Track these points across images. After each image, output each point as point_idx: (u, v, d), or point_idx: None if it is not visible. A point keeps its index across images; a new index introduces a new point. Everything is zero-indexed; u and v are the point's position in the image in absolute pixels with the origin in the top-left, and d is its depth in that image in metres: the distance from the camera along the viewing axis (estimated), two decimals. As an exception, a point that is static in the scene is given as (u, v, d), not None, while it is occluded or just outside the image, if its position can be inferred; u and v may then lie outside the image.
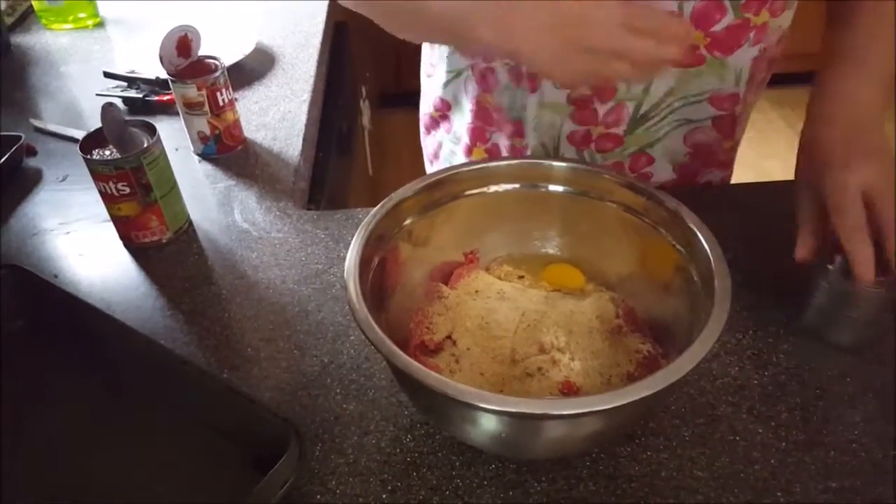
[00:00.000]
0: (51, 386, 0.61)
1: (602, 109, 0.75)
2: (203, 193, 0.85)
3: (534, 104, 0.76)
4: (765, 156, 2.65)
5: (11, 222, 0.82)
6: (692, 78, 0.72)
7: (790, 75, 2.96)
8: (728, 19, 0.68)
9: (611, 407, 0.42)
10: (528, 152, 0.80)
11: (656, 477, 0.54)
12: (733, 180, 0.93)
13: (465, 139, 0.85)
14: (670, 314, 0.57)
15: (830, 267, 0.60)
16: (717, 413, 0.59)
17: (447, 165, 0.81)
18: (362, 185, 1.63)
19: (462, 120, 0.85)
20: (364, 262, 0.53)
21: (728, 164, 0.86)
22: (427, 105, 0.90)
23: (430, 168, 0.96)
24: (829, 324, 0.63)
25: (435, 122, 0.90)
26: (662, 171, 0.81)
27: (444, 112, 0.87)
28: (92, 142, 0.72)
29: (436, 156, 0.93)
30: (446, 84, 0.83)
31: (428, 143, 0.94)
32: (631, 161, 0.80)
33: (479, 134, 0.84)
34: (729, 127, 0.79)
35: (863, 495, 0.53)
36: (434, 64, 0.86)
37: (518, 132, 0.79)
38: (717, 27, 0.68)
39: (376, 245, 0.56)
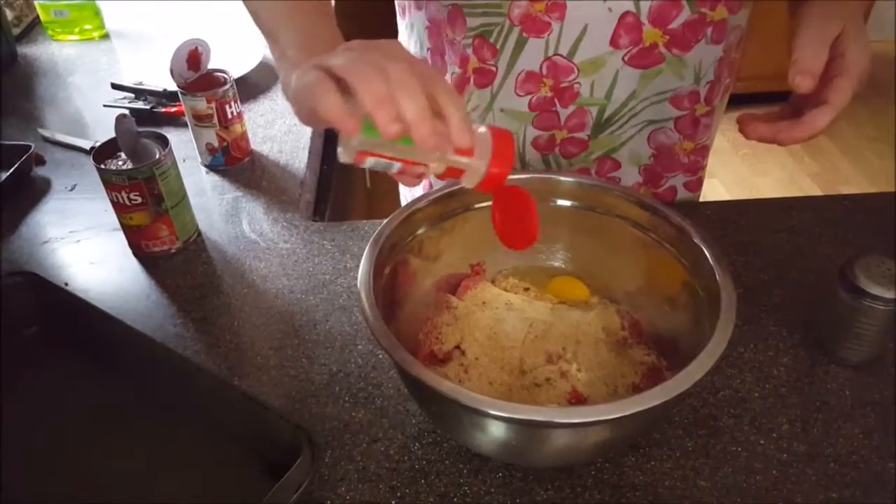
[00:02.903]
0: (64, 391, 0.61)
1: (564, 113, 0.75)
2: (211, 204, 0.86)
3: (493, 108, 0.76)
4: (758, 173, 2.69)
5: (21, 231, 0.83)
6: (653, 78, 0.73)
7: (784, 95, 3.02)
8: (685, 15, 0.68)
9: (619, 416, 0.44)
10: None
11: (660, 486, 0.55)
12: (725, 196, 0.95)
13: None
14: (675, 327, 0.58)
15: (839, 283, 0.61)
16: (719, 424, 0.60)
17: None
18: (361, 196, 1.65)
19: None
20: (376, 272, 0.54)
21: (693, 170, 0.85)
22: None
23: (403, 189, 0.95)
24: (834, 339, 0.64)
25: None
26: (629, 176, 0.81)
27: None
28: (104, 152, 0.74)
29: None
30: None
31: None
32: (597, 166, 0.80)
33: None
34: (690, 127, 0.79)
35: (862, 506, 0.54)
36: None
37: None
38: (675, 24, 0.69)
39: (388, 255, 0.57)
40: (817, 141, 2.85)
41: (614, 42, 0.69)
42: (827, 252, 0.76)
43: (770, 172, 2.69)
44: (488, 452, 0.54)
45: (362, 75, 0.42)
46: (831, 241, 0.78)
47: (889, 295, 0.59)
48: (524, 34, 0.70)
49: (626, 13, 0.67)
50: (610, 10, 0.67)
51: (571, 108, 0.75)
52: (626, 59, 0.70)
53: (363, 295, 0.52)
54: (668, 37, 0.70)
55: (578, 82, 0.72)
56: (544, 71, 0.72)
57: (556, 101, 0.74)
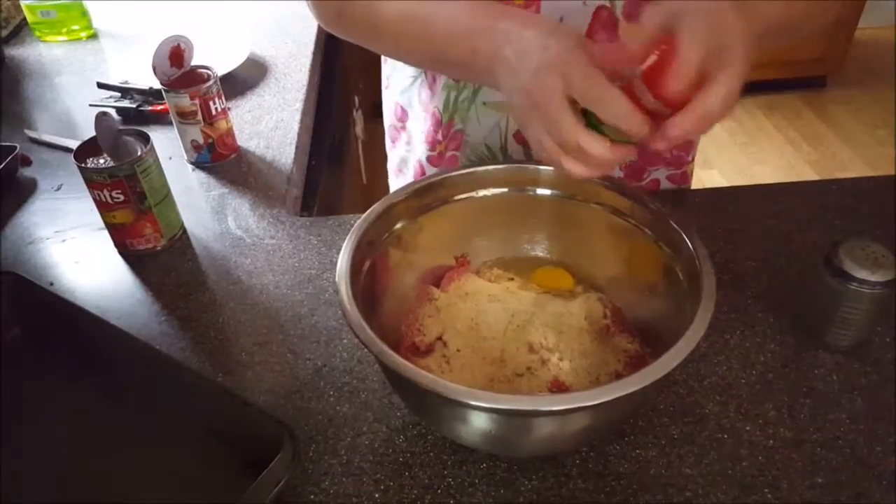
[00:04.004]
0: (47, 391, 0.61)
1: None
2: (197, 201, 0.86)
3: (476, 102, 0.76)
4: (756, 161, 2.68)
5: (7, 231, 0.83)
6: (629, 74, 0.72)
7: (780, 82, 3.00)
8: None
9: (599, 403, 0.43)
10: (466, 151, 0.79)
11: (645, 474, 0.55)
12: (729, 183, 0.94)
13: (421, 147, 0.85)
14: (657, 314, 0.58)
15: (823, 267, 0.61)
16: (704, 412, 0.60)
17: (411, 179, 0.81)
18: (357, 193, 1.64)
19: (417, 127, 0.85)
20: (355, 266, 0.54)
21: (677, 164, 0.83)
22: (388, 116, 0.90)
23: (394, 181, 0.96)
24: (821, 324, 0.64)
25: (397, 133, 0.90)
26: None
27: (403, 122, 0.87)
28: (86, 151, 0.73)
29: (400, 170, 0.92)
30: (402, 91, 0.84)
31: (393, 155, 0.93)
32: None
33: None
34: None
35: (848, 490, 0.54)
36: (389, 75, 0.86)
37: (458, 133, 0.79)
38: None
39: (367, 249, 0.57)
40: (816, 128, 2.84)
41: (590, 36, 0.68)
42: (815, 237, 0.76)
43: (768, 161, 2.68)
44: (471, 443, 0.54)
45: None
46: (820, 226, 0.78)
47: (874, 278, 0.58)
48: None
49: (601, 7, 0.67)
50: (585, 3, 0.67)
51: None
52: None
53: (342, 288, 0.51)
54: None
55: None
56: None
57: None
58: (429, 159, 0.84)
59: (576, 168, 0.50)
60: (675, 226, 0.55)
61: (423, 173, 0.85)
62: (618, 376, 0.55)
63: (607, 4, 0.67)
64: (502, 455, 0.56)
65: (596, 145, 0.48)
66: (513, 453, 0.55)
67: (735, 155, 2.72)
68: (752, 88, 3.01)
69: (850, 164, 2.59)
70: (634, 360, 0.56)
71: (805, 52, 2.80)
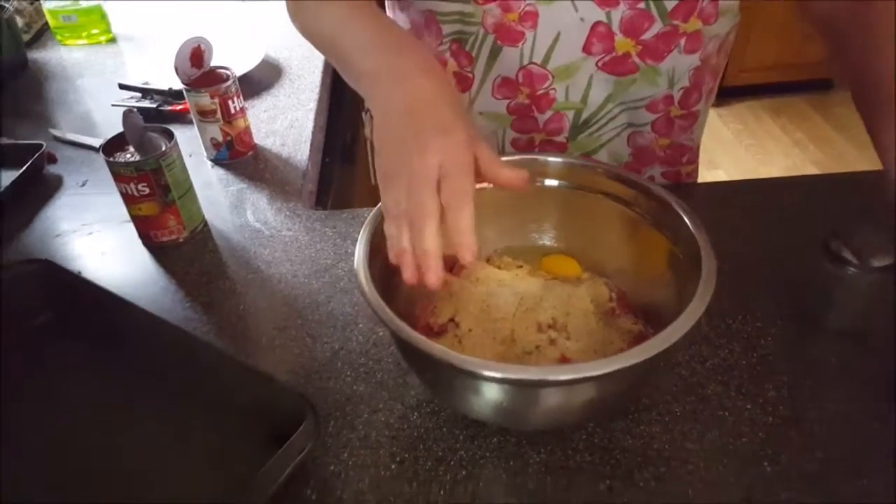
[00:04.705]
0: (79, 371, 0.64)
1: (542, 118, 0.77)
2: (216, 196, 0.89)
3: (472, 112, 0.78)
4: (763, 163, 2.70)
5: (35, 224, 0.86)
6: (628, 86, 0.74)
7: (787, 84, 3.02)
8: (657, 27, 0.70)
9: (604, 373, 0.46)
10: None
11: (649, 448, 0.57)
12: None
13: None
14: (661, 297, 0.60)
15: (822, 254, 0.63)
16: (707, 392, 0.62)
17: None
18: (366, 192, 1.67)
19: None
20: (372, 253, 0.57)
21: (671, 162, 0.85)
22: None
23: None
24: (820, 309, 0.66)
25: None
26: None
27: None
28: (112, 146, 0.77)
29: None
30: None
31: None
32: None
33: None
34: (664, 126, 0.80)
35: (845, 464, 0.56)
36: None
37: None
38: (647, 35, 0.70)
39: (383, 237, 0.60)
40: (822, 130, 2.85)
41: (587, 49, 0.71)
42: (815, 228, 0.77)
43: (774, 162, 2.70)
44: (482, 416, 0.56)
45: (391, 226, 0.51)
46: (820, 217, 0.79)
47: (871, 263, 0.61)
48: (498, 42, 0.71)
49: (598, 23, 0.69)
50: (582, 19, 0.68)
51: (549, 113, 0.76)
52: (599, 64, 0.72)
53: (360, 272, 0.54)
54: (640, 47, 0.71)
55: (554, 88, 0.74)
56: (520, 79, 0.74)
57: (533, 107, 0.76)
58: None
59: (408, 272, 0.50)
60: (677, 210, 0.58)
61: None
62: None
63: (604, 20, 0.69)
64: (512, 429, 0.58)
65: (433, 240, 0.48)
66: (522, 426, 0.58)
67: (741, 156, 2.74)
68: (759, 91, 3.03)
69: (856, 164, 2.60)
70: (638, 340, 0.58)
71: (811, 54, 2.82)
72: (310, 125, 1.04)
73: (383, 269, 0.59)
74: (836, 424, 0.59)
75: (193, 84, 0.89)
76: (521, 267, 0.68)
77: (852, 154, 2.68)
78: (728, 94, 2.99)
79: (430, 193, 0.48)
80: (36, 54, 1.30)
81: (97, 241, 0.83)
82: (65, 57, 1.29)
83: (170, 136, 0.77)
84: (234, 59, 1.11)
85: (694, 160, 0.88)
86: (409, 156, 0.49)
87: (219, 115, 0.90)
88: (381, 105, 0.54)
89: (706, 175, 2.57)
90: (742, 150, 2.78)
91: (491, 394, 0.50)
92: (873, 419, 0.59)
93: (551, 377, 0.47)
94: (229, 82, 0.90)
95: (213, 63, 0.93)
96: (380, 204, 0.61)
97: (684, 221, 0.57)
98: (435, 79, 0.53)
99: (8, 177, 0.90)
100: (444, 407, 0.61)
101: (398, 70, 0.54)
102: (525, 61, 0.72)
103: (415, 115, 0.51)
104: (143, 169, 0.74)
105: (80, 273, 0.76)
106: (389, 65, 0.55)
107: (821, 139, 2.81)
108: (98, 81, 1.20)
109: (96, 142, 0.99)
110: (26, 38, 1.32)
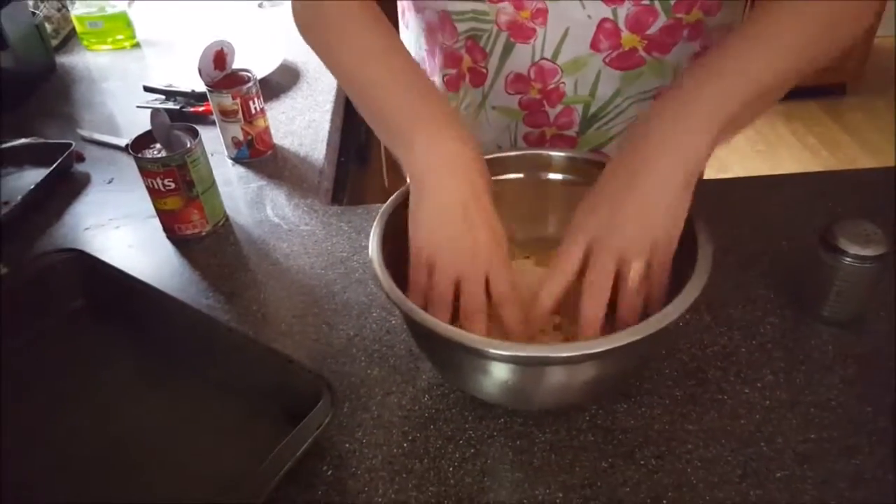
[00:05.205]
0: (109, 355, 0.68)
1: (553, 112, 0.79)
2: (237, 193, 0.93)
3: (486, 106, 0.81)
4: (774, 168, 2.71)
5: (65, 219, 0.90)
6: (635, 79, 0.76)
7: (800, 89, 3.03)
8: (661, 21, 0.71)
9: (605, 349, 0.49)
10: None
11: (650, 429, 0.60)
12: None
13: None
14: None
15: (820, 245, 0.65)
16: (706, 376, 0.65)
17: None
18: (379, 194, 1.71)
19: None
20: (385, 240, 0.60)
21: None
22: None
23: None
24: (818, 298, 0.68)
25: None
26: None
27: None
28: (140, 144, 0.81)
29: None
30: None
31: None
32: None
33: None
34: None
35: (839, 444, 0.58)
36: None
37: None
38: (652, 29, 0.72)
39: (395, 227, 0.63)
40: (834, 135, 2.86)
41: (594, 45, 0.73)
42: (815, 222, 0.80)
43: (786, 167, 2.71)
44: (490, 395, 0.59)
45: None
46: (820, 211, 0.82)
47: (866, 253, 0.63)
48: (511, 39, 0.74)
49: (605, 19, 0.71)
50: (589, 16, 0.71)
51: (559, 107, 0.79)
52: (606, 60, 0.74)
53: (374, 259, 0.57)
54: (646, 41, 0.73)
55: (563, 82, 0.77)
56: (532, 75, 0.76)
57: (544, 101, 0.78)
58: None
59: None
60: None
61: None
62: None
63: (610, 17, 0.71)
64: (520, 409, 0.61)
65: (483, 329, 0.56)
66: (527, 405, 0.61)
67: (753, 161, 2.76)
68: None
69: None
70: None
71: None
72: (326, 126, 1.08)
73: (396, 257, 0.62)
74: (831, 408, 0.61)
75: (216, 85, 0.93)
76: (528, 258, 0.71)
77: (864, 159, 2.69)
78: (740, 100, 2.99)
79: (480, 290, 0.55)
80: (63, 59, 1.35)
81: (123, 234, 0.87)
82: (91, 61, 1.34)
83: (194, 133, 0.81)
84: (254, 62, 1.15)
85: None
86: (456, 242, 0.56)
87: (240, 115, 0.94)
88: (430, 187, 0.58)
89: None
90: (754, 155, 2.79)
91: (497, 372, 0.53)
92: (866, 403, 0.61)
93: (554, 354, 0.49)
94: (250, 84, 0.94)
95: (235, 66, 0.97)
96: (391, 199, 0.65)
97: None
98: (479, 163, 0.59)
99: (39, 174, 0.94)
100: (454, 389, 0.64)
101: (439, 149, 0.58)
102: (536, 57, 0.75)
103: (468, 213, 0.57)
104: (169, 165, 0.78)
105: (108, 264, 0.80)
106: (430, 137, 0.59)
107: (833, 144, 2.82)
108: (122, 84, 1.25)
109: (122, 142, 1.03)
110: (54, 43, 1.37)
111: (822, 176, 0.91)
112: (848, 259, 0.64)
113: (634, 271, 0.53)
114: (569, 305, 0.62)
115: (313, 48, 0.70)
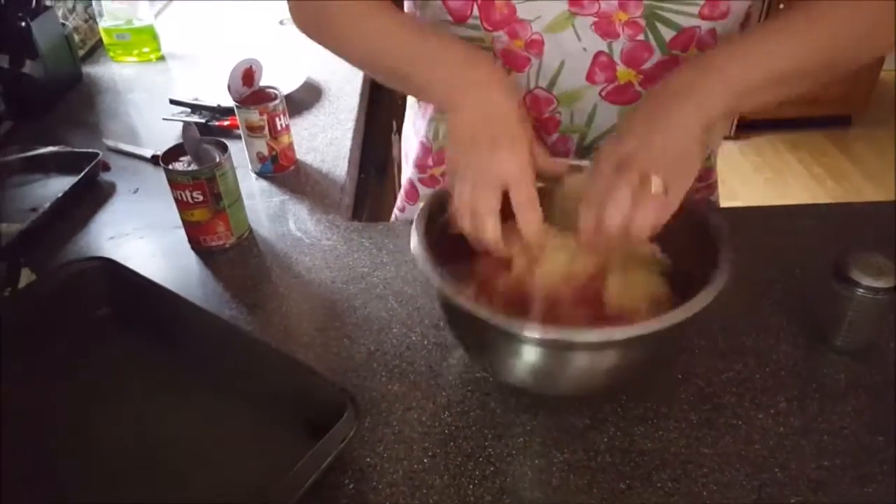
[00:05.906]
0: (134, 362, 0.69)
1: (549, 140, 0.81)
2: (260, 207, 0.95)
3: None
4: (781, 196, 2.73)
5: (91, 227, 0.92)
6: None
7: (806, 119, 3.06)
8: (657, 57, 0.72)
9: (629, 337, 0.53)
10: None
11: (666, 452, 0.61)
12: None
13: (412, 170, 0.92)
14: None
15: (832, 276, 0.67)
16: (722, 402, 0.66)
17: None
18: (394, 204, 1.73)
19: (410, 151, 0.93)
20: (427, 226, 0.62)
21: None
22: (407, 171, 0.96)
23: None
24: (830, 328, 0.70)
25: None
26: None
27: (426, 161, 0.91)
28: (169, 156, 0.83)
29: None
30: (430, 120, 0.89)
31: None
32: None
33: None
34: None
35: (851, 472, 0.59)
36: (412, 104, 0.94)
37: None
38: (647, 65, 0.73)
39: (436, 219, 0.64)
40: (840, 165, 2.88)
41: (590, 77, 0.74)
42: (827, 252, 0.81)
43: (792, 195, 2.73)
44: (518, 378, 0.62)
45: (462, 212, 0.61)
46: (833, 243, 0.83)
47: (878, 285, 0.65)
48: (506, 67, 0.75)
49: (600, 52, 0.72)
50: (584, 49, 0.72)
51: (555, 136, 0.80)
52: (602, 94, 0.76)
53: (415, 239, 0.60)
54: (641, 76, 0.74)
55: (559, 112, 0.78)
56: (527, 103, 0.78)
57: (540, 130, 0.80)
58: (420, 181, 0.92)
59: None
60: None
61: (413, 191, 0.94)
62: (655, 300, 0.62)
63: (606, 51, 0.72)
64: (547, 393, 0.64)
65: (492, 230, 0.59)
66: (553, 391, 0.64)
67: (760, 189, 2.78)
68: (777, 125, 3.06)
69: (873, 200, 2.63)
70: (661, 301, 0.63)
71: (829, 91, 2.86)
72: (348, 143, 1.10)
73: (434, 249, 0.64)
74: (844, 436, 0.62)
75: (244, 101, 0.96)
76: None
77: (869, 190, 2.71)
78: (748, 127, 3.03)
79: (492, 194, 0.58)
80: (89, 69, 1.37)
81: (148, 244, 0.89)
82: (116, 72, 1.37)
83: (224, 148, 0.83)
84: (278, 79, 1.17)
85: (706, 178, 0.91)
86: (479, 157, 0.59)
87: (266, 130, 0.96)
88: (460, 109, 0.63)
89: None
90: (761, 183, 2.82)
91: (528, 355, 0.57)
92: (878, 432, 0.62)
93: (580, 339, 0.53)
94: (277, 101, 0.96)
95: (262, 83, 0.99)
96: (432, 193, 0.67)
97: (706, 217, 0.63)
98: (505, 91, 0.63)
99: (66, 182, 0.96)
100: (474, 407, 0.65)
101: (473, 81, 0.63)
102: (532, 86, 0.76)
103: (490, 123, 0.61)
104: (198, 177, 0.80)
105: (135, 272, 0.82)
106: (464, 76, 0.64)
107: (839, 174, 2.84)
108: (147, 96, 1.27)
109: (147, 152, 1.05)
110: (81, 53, 1.40)
111: (832, 207, 0.93)
112: (861, 290, 0.65)
113: (656, 184, 0.55)
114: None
115: (320, 40, 0.76)
